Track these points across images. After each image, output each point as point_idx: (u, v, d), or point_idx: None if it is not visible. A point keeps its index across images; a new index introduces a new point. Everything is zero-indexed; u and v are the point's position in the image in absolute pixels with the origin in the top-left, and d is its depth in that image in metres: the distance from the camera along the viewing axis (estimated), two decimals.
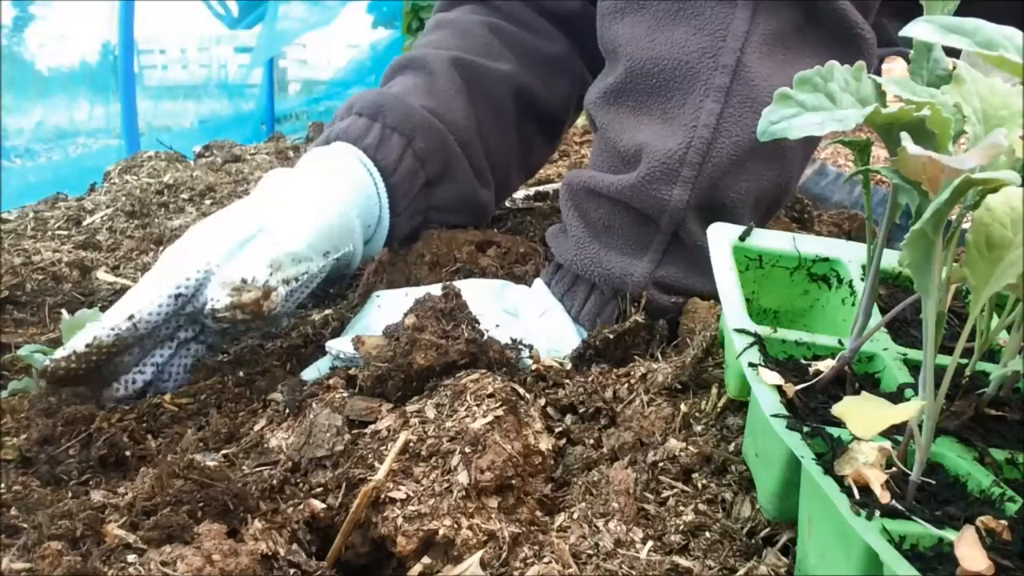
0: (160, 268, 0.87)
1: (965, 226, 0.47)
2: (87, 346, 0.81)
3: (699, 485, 0.64)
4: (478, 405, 0.69)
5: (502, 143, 1.22)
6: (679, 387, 0.75)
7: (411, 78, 1.16)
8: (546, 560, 0.58)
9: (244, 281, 0.84)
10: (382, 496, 0.63)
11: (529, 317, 0.91)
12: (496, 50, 1.22)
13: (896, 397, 0.60)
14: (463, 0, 1.30)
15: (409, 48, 1.46)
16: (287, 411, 0.79)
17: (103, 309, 1.11)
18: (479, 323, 0.80)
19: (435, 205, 1.13)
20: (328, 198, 0.96)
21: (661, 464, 0.66)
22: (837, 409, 0.48)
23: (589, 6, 1.23)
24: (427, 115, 1.10)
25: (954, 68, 0.49)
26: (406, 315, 0.80)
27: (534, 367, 0.82)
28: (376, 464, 0.67)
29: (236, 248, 0.86)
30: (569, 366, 0.83)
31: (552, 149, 1.41)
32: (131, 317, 0.82)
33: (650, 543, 0.59)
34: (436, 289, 0.83)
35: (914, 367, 0.63)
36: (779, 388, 0.57)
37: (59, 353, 0.81)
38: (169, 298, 0.83)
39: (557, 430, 0.75)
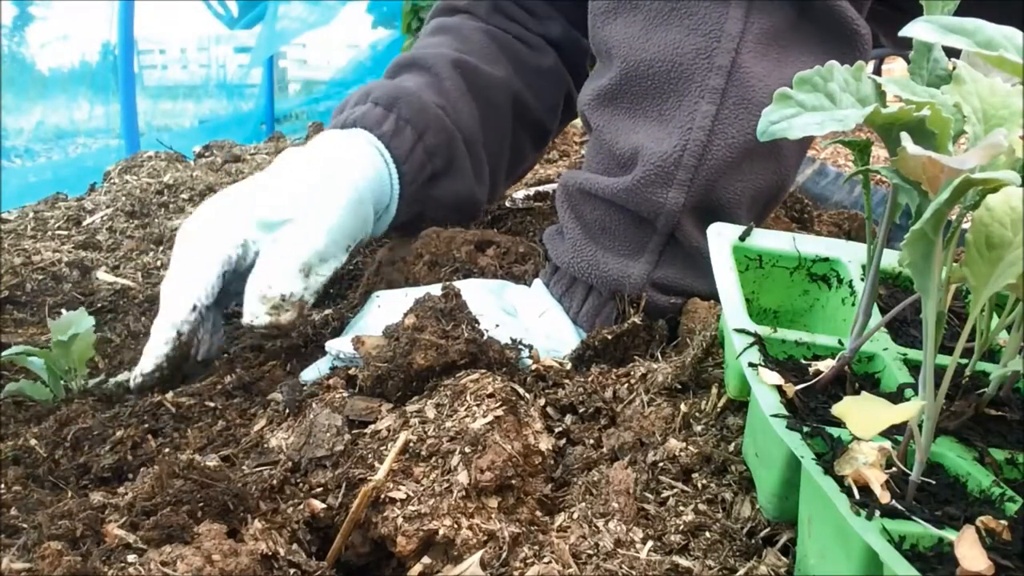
0: (196, 248, 0.90)
1: (965, 226, 0.47)
2: (171, 349, 0.87)
3: (699, 485, 0.64)
4: (478, 405, 0.69)
5: (499, 147, 1.25)
6: (679, 387, 0.75)
7: (418, 76, 1.17)
8: (546, 560, 0.58)
9: (283, 298, 0.87)
10: (382, 496, 0.63)
11: (528, 317, 0.91)
12: (494, 56, 1.25)
13: (896, 397, 0.60)
14: (455, 11, 1.33)
15: (409, 48, 1.47)
16: (287, 411, 0.79)
17: (102, 310, 1.11)
18: (479, 323, 0.80)
19: (435, 196, 1.15)
20: (348, 187, 0.97)
21: (661, 464, 0.66)
22: (837, 409, 0.48)
23: (571, 29, 1.33)
24: (439, 112, 1.12)
25: (954, 68, 0.49)
26: (406, 315, 0.80)
27: (534, 367, 0.82)
28: (376, 464, 0.67)
29: (265, 231, 0.90)
30: (569, 366, 0.83)
31: (538, 158, 1.46)
32: (194, 308, 0.87)
33: (650, 543, 0.59)
34: (436, 289, 0.83)
35: (914, 367, 0.63)
36: (779, 388, 0.57)
37: (146, 367, 0.86)
38: (218, 278, 0.89)
39: (557, 430, 0.75)
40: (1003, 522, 0.47)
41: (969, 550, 0.43)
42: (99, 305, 1.17)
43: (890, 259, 0.73)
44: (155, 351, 0.86)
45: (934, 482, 0.53)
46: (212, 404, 0.85)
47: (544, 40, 1.32)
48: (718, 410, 0.71)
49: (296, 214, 0.91)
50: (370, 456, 0.68)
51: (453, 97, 1.16)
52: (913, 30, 0.45)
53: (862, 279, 0.71)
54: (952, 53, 0.50)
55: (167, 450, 0.77)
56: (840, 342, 0.66)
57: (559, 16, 1.33)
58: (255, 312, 0.87)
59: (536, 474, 0.67)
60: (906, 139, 0.43)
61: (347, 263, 1.32)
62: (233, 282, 0.91)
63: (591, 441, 0.73)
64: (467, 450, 0.64)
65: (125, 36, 2.31)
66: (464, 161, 1.16)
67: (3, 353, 0.91)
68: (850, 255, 0.75)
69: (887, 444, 0.52)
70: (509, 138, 1.28)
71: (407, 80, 1.17)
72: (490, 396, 0.70)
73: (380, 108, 1.08)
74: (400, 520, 0.61)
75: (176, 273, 0.90)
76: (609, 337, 0.84)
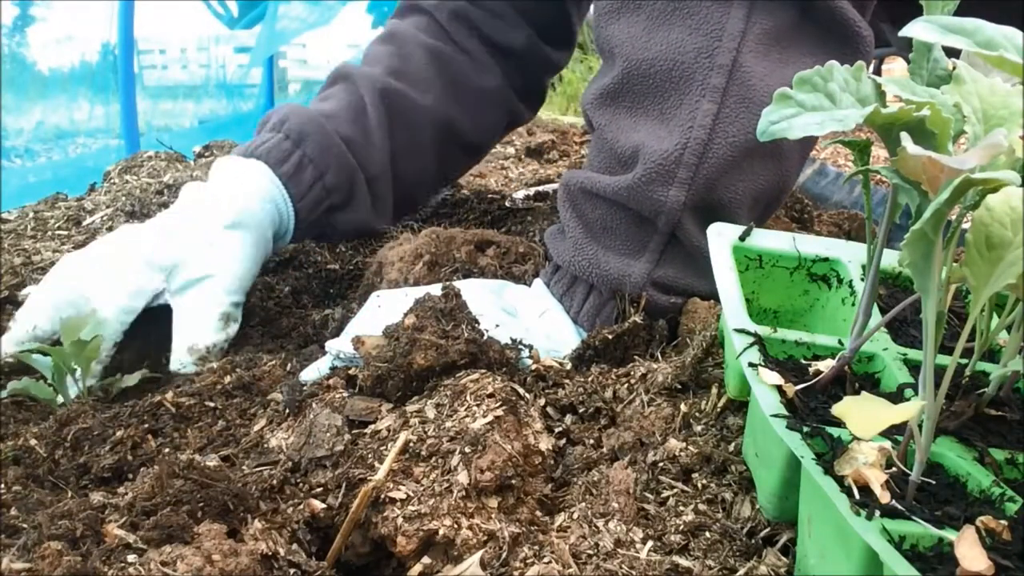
0: (107, 292, 0.96)
1: (965, 226, 0.47)
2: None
3: (699, 485, 0.64)
4: (478, 405, 0.69)
5: (415, 170, 1.32)
6: (679, 387, 0.75)
7: (343, 97, 1.23)
8: (546, 560, 0.58)
9: (208, 349, 0.98)
10: (382, 496, 0.63)
11: (528, 317, 0.91)
12: (429, 80, 1.29)
13: (896, 397, 0.60)
14: (418, 11, 1.35)
15: None
16: (287, 411, 0.79)
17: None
18: (479, 323, 0.80)
19: (333, 225, 1.24)
20: (254, 234, 1.07)
21: (661, 464, 0.66)
22: (837, 409, 0.48)
23: (537, 42, 1.36)
24: (343, 150, 1.19)
25: (954, 68, 0.49)
26: (406, 315, 0.80)
27: (534, 367, 0.82)
28: (376, 464, 0.67)
29: (178, 283, 1.00)
30: (569, 366, 0.83)
31: (473, 164, 1.52)
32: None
33: (650, 543, 0.59)
34: (436, 289, 0.83)
35: (914, 367, 0.63)
36: (779, 388, 0.57)
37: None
38: (121, 324, 0.97)
39: (557, 430, 0.75)
40: (1003, 522, 0.47)
41: (969, 550, 0.43)
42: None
43: (890, 259, 0.73)
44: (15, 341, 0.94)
45: (934, 482, 0.53)
46: (212, 404, 0.85)
47: (503, 52, 1.35)
48: (718, 410, 0.71)
49: (212, 270, 1.00)
50: (370, 456, 0.68)
51: (370, 130, 1.22)
52: (913, 30, 0.45)
53: (862, 279, 0.71)
54: (952, 53, 0.50)
55: (167, 450, 0.77)
56: (840, 342, 0.66)
57: (526, 26, 1.36)
58: (183, 362, 0.97)
59: (536, 474, 0.67)
60: (906, 139, 0.43)
61: (347, 263, 1.32)
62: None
63: (591, 441, 0.73)
64: (467, 450, 0.64)
65: (125, 36, 2.31)
66: (364, 197, 1.23)
67: (12, 350, 0.91)
68: (850, 255, 0.75)
69: (887, 444, 0.52)
70: (432, 164, 1.34)
71: (332, 100, 1.23)
72: (490, 396, 0.70)
73: (289, 142, 1.15)
74: (400, 520, 0.61)
75: (92, 308, 0.95)
76: (609, 337, 0.84)
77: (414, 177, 1.33)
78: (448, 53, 1.31)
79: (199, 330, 0.98)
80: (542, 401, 0.77)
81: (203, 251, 1.01)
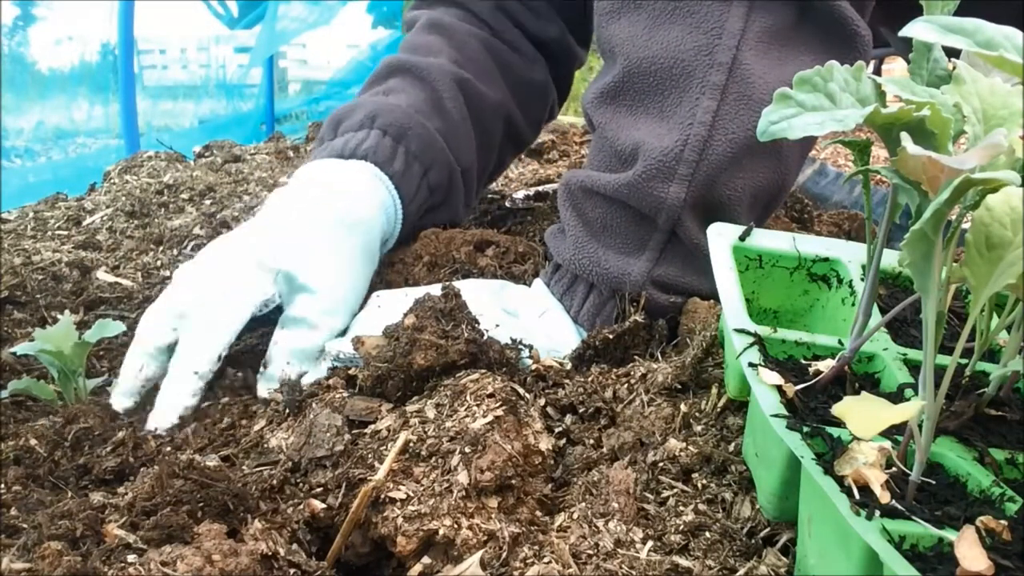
0: (221, 295, 0.87)
1: (965, 226, 0.47)
2: (196, 399, 0.84)
3: (699, 485, 0.64)
4: (478, 405, 0.69)
5: (485, 168, 1.27)
6: (679, 387, 0.75)
7: (415, 91, 1.14)
8: (546, 560, 0.58)
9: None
10: (382, 496, 0.63)
11: (528, 317, 0.91)
12: (491, 72, 1.24)
13: (896, 397, 0.60)
14: (449, 3, 1.29)
15: None
16: (287, 411, 0.79)
17: (101, 309, 1.11)
18: (479, 323, 0.80)
19: (424, 225, 1.14)
20: (369, 252, 0.97)
21: (661, 464, 0.66)
22: (837, 409, 0.48)
23: (567, 34, 1.33)
24: (443, 147, 1.11)
25: (954, 68, 0.49)
26: (406, 315, 0.80)
27: (534, 367, 0.82)
28: (376, 464, 0.67)
29: (289, 290, 0.89)
30: (569, 366, 0.83)
31: (514, 160, 1.49)
32: (219, 358, 0.85)
33: (650, 543, 0.59)
34: (436, 289, 0.83)
35: (914, 367, 0.63)
36: (779, 388, 0.57)
37: (167, 418, 0.82)
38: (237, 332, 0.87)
39: (557, 430, 0.75)
40: (1003, 522, 0.47)
41: (969, 550, 0.43)
42: (102, 308, 1.17)
43: (890, 259, 0.73)
44: (179, 401, 0.82)
45: (934, 482, 0.53)
46: (212, 404, 0.85)
47: (539, 44, 1.32)
48: (718, 410, 0.71)
49: (320, 286, 0.89)
50: (370, 456, 0.68)
51: (454, 123, 1.14)
52: (913, 30, 0.45)
53: (862, 279, 0.71)
54: (952, 53, 0.50)
55: (167, 450, 0.77)
56: (840, 342, 0.66)
57: (558, 20, 1.32)
58: (270, 389, 0.85)
59: (536, 474, 0.67)
60: (906, 139, 0.43)
61: None
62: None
63: (591, 441, 0.73)
64: (467, 450, 0.64)
65: (125, 36, 2.31)
66: (459, 194, 1.17)
67: (15, 349, 0.91)
68: (850, 255, 0.75)
69: (887, 444, 0.52)
70: (496, 156, 1.30)
71: (402, 93, 1.13)
72: (490, 396, 0.70)
73: (389, 139, 1.05)
74: (400, 520, 0.61)
75: (199, 319, 0.86)
76: (610, 337, 0.84)
77: (485, 173, 1.29)
78: (498, 45, 1.26)
79: (292, 363, 0.87)
80: (542, 401, 0.77)
81: (313, 262, 0.90)
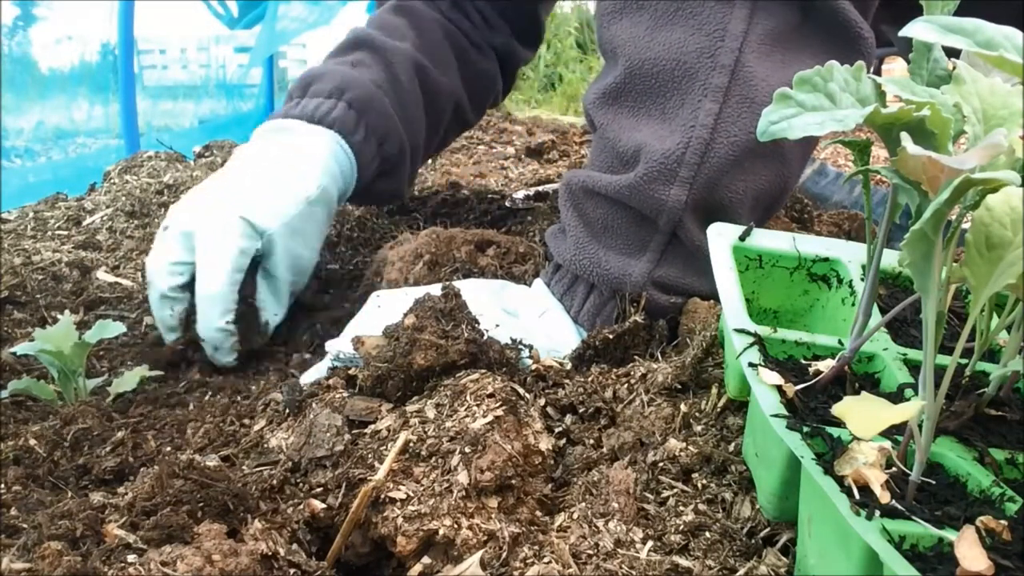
0: (216, 239, 0.99)
1: (965, 226, 0.47)
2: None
3: (699, 485, 0.64)
4: (478, 405, 0.69)
5: (430, 145, 1.39)
6: (679, 387, 0.75)
7: (378, 68, 1.24)
8: (546, 560, 0.58)
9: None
10: (382, 496, 0.63)
11: (528, 317, 0.91)
12: (447, 59, 1.34)
13: (896, 397, 0.60)
14: None
15: None
16: (287, 411, 0.79)
17: (105, 310, 1.11)
18: (479, 323, 0.80)
19: (370, 192, 1.27)
20: (329, 213, 1.11)
21: (661, 464, 0.66)
22: (837, 409, 0.48)
23: (512, 42, 1.44)
24: (398, 123, 1.23)
25: (954, 68, 0.49)
26: (406, 315, 0.80)
27: (534, 367, 0.82)
28: (376, 464, 0.67)
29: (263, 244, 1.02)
30: (569, 366, 0.83)
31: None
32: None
33: (650, 543, 0.59)
34: (436, 289, 0.83)
35: (914, 367, 0.63)
36: (779, 388, 0.57)
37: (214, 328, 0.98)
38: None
39: (557, 430, 0.75)
40: (1003, 522, 0.47)
41: (969, 550, 0.43)
42: (101, 308, 1.17)
43: (890, 259, 0.73)
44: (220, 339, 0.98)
45: (934, 482, 0.53)
46: (212, 404, 0.85)
47: (490, 46, 1.42)
48: (718, 410, 0.71)
49: (297, 248, 1.05)
50: (370, 456, 0.68)
51: (409, 104, 1.26)
52: (913, 30, 0.45)
53: (862, 279, 0.71)
54: (952, 53, 0.50)
55: (167, 450, 0.77)
56: (840, 342, 0.66)
57: (505, 28, 1.43)
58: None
59: (536, 474, 0.67)
60: (906, 139, 0.43)
61: (347, 263, 1.32)
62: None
63: (591, 441, 0.73)
64: (467, 450, 0.64)
65: (125, 36, 2.31)
66: (406, 166, 1.28)
67: (15, 349, 0.91)
68: (850, 255, 0.75)
69: (887, 444, 0.52)
70: (442, 139, 1.43)
71: (368, 69, 1.23)
72: (490, 396, 0.70)
73: (354, 112, 1.17)
74: (400, 520, 0.61)
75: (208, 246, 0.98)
76: (610, 337, 0.84)
77: (429, 150, 1.42)
78: (457, 35, 1.36)
79: (271, 307, 1.03)
80: (542, 401, 0.77)
81: (294, 224, 1.04)
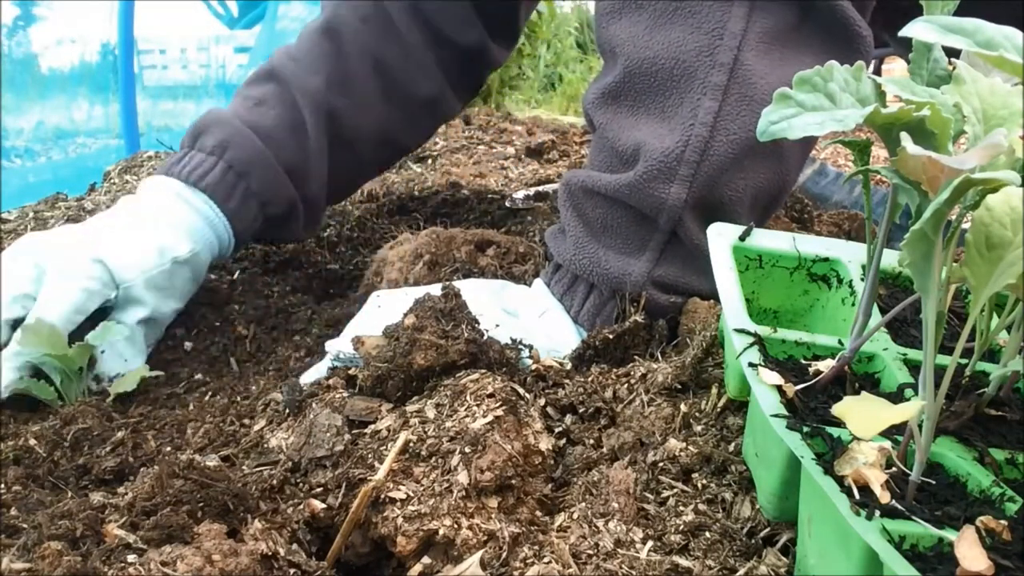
0: (64, 285, 0.93)
1: (965, 226, 0.47)
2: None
3: (699, 485, 0.64)
4: (478, 405, 0.69)
5: (350, 181, 1.33)
6: (679, 387, 0.75)
7: (282, 112, 1.17)
8: (546, 560, 0.58)
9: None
10: (382, 496, 0.63)
11: (528, 317, 0.91)
12: (371, 96, 1.24)
13: (896, 397, 0.60)
14: None
15: None
16: (287, 411, 0.79)
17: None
18: (479, 323, 0.80)
19: (262, 239, 1.25)
20: (198, 270, 1.08)
21: (661, 464, 0.66)
22: (837, 409, 0.48)
23: (486, 40, 1.31)
24: (287, 182, 1.16)
25: (954, 68, 0.49)
26: (406, 315, 0.80)
27: (534, 367, 0.82)
28: (376, 464, 0.67)
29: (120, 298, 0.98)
30: (569, 366, 0.83)
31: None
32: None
33: (650, 543, 0.59)
34: (436, 289, 0.83)
35: (914, 367, 0.63)
36: (779, 388, 0.57)
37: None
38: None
39: (557, 430, 0.75)
40: (1003, 522, 0.47)
41: (969, 550, 0.43)
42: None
43: (890, 259, 0.73)
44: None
45: (934, 482, 0.53)
46: (212, 403, 0.85)
47: (449, 48, 1.29)
48: (718, 410, 0.71)
49: (159, 305, 1.01)
50: (370, 456, 0.68)
51: (311, 154, 1.19)
52: (913, 30, 0.45)
53: (862, 279, 0.71)
54: (952, 53, 0.50)
55: (167, 450, 0.77)
56: (840, 342, 0.66)
57: (480, 25, 1.31)
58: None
59: (536, 474, 0.67)
60: (906, 139, 0.43)
61: (347, 263, 1.32)
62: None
63: (591, 441, 0.73)
64: (467, 450, 0.64)
65: (125, 36, 2.31)
66: (298, 220, 1.22)
67: (16, 349, 0.91)
68: (850, 255, 0.75)
69: (887, 444, 0.52)
70: (368, 172, 1.35)
71: (269, 111, 1.17)
72: (490, 396, 0.70)
73: (233, 174, 1.11)
74: (400, 520, 0.61)
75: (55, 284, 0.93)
76: (610, 337, 0.84)
77: (349, 187, 1.37)
78: (390, 60, 1.24)
79: (123, 359, 0.97)
80: (542, 401, 0.77)
81: (156, 282, 1.00)
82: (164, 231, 1.03)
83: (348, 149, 1.24)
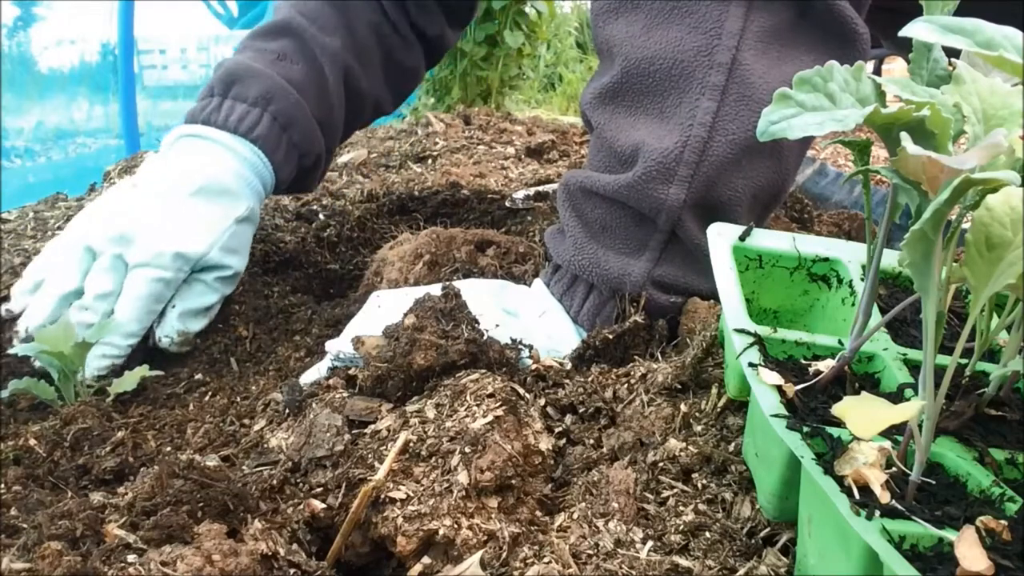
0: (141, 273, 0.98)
1: (965, 226, 0.47)
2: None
3: (699, 485, 0.64)
4: (478, 405, 0.69)
5: (344, 137, 1.37)
6: (679, 387, 0.75)
7: (307, 68, 1.20)
8: (546, 560, 0.58)
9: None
10: (382, 496, 0.63)
11: (528, 317, 0.91)
12: (373, 60, 1.31)
13: (896, 397, 0.60)
14: None
15: None
16: (287, 411, 0.79)
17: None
18: (479, 323, 0.80)
19: (278, 192, 1.25)
20: (246, 229, 1.10)
21: (661, 464, 0.66)
22: (837, 409, 0.48)
23: (445, 27, 1.40)
24: (319, 135, 1.21)
25: (954, 68, 0.49)
26: (406, 315, 0.80)
27: (534, 367, 0.82)
28: (376, 464, 0.67)
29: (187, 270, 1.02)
30: (569, 366, 0.83)
31: None
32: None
33: (650, 543, 0.59)
34: (436, 289, 0.83)
35: (914, 367, 0.63)
36: (779, 388, 0.57)
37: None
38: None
39: (557, 430, 0.75)
40: (1003, 522, 0.47)
41: (969, 550, 0.43)
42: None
43: (890, 259, 0.73)
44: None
45: (934, 482, 0.53)
46: (212, 403, 0.85)
47: (418, 36, 1.38)
48: (718, 410, 0.71)
49: (212, 256, 1.03)
50: (370, 456, 0.68)
51: (331, 111, 1.24)
52: (913, 30, 0.45)
53: (862, 279, 0.71)
54: (952, 53, 0.50)
55: (167, 450, 0.77)
56: (840, 342, 0.66)
57: (441, 17, 1.38)
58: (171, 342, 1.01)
59: (536, 474, 0.67)
60: (906, 139, 0.43)
61: (347, 263, 1.32)
62: None
63: (591, 441, 0.73)
64: (467, 450, 0.64)
65: (125, 36, 2.31)
66: (318, 171, 1.28)
67: (15, 349, 0.91)
68: (850, 255, 0.75)
69: (887, 444, 0.52)
70: (350, 133, 1.40)
71: (294, 66, 1.19)
72: (490, 396, 0.70)
73: (278, 127, 1.14)
74: (400, 520, 0.61)
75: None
76: (610, 337, 0.84)
77: (338, 146, 1.42)
78: (386, 30, 1.32)
79: (187, 322, 1.02)
80: (542, 401, 0.77)
81: (228, 245, 1.04)
82: (221, 190, 1.06)
83: (355, 109, 1.30)
